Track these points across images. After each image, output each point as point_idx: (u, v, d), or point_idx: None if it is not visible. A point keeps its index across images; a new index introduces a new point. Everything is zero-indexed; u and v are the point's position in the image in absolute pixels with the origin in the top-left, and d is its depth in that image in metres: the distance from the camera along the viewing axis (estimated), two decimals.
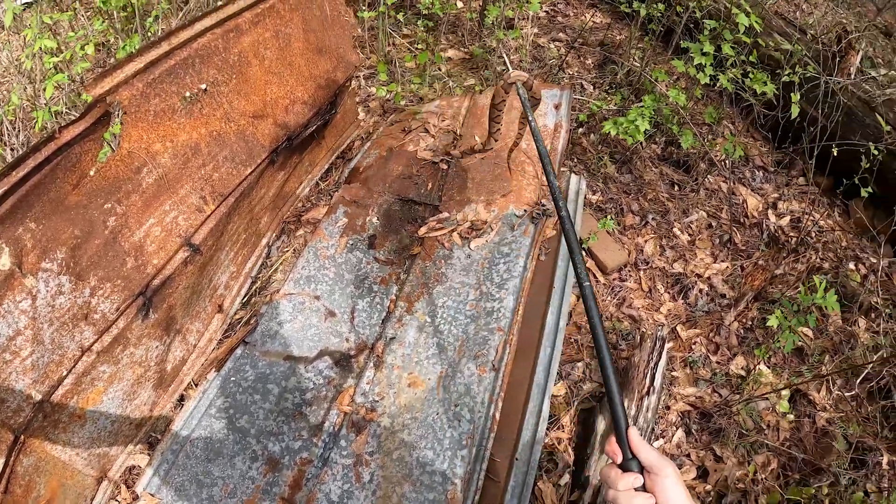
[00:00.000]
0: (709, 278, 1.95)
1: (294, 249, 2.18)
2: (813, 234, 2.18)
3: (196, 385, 1.66)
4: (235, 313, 1.81)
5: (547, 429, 1.62)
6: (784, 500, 1.69)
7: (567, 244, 0.85)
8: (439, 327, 1.73)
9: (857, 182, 2.01)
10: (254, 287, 1.88)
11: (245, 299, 1.85)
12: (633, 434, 0.67)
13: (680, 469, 1.69)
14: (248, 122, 1.73)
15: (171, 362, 1.59)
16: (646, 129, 1.82)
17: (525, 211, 1.91)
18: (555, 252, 1.84)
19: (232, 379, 1.63)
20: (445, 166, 2.12)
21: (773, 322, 1.78)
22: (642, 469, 0.66)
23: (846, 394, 1.86)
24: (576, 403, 1.67)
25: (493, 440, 1.56)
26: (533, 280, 1.80)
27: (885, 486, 1.76)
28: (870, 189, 2.10)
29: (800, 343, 1.96)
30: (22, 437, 1.19)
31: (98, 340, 1.26)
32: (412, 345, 1.70)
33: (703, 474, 1.70)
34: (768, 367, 1.87)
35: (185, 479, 1.48)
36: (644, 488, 0.65)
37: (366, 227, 2.08)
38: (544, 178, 1.94)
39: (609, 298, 1.84)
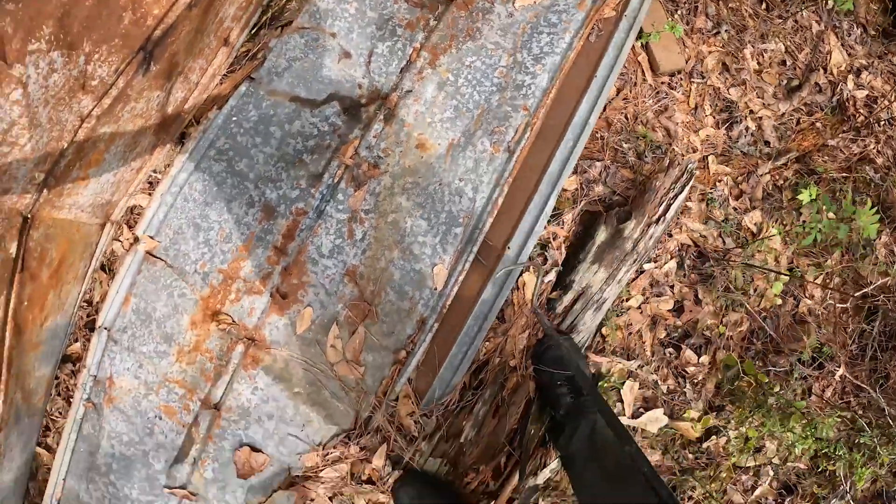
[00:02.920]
0: (760, 118, 1.71)
1: None
2: (881, 122, 1.91)
3: (198, 122, 1.49)
4: (242, 46, 1.52)
5: (547, 222, 1.47)
6: (738, 364, 1.69)
7: None
8: (461, 89, 1.49)
9: None
10: (264, 17, 1.53)
11: (253, 30, 1.53)
12: None
13: (659, 297, 1.61)
14: None
15: (172, 104, 1.40)
16: None
17: None
18: (608, 36, 1.53)
19: (233, 119, 1.47)
20: None
21: (804, 196, 1.61)
22: None
23: (838, 302, 1.77)
24: (582, 203, 1.50)
25: (491, 224, 1.43)
26: (575, 62, 1.51)
27: (829, 396, 1.77)
28: None
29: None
30: (30, 215, 1.19)
31: (97, 106, 1.15)
32: (429, 102, 1.48)
33: (678, 309, 1.65)
34: (779, 234, 1.74)
35: (183, 223, 1.46)
36: None
37: None
38: None
39: (650, 102, 1.59)
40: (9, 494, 1.53)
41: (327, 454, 1.41)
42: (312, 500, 1.40)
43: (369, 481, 1.40)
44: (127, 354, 1.47)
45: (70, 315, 1.54)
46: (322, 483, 1.39)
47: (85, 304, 1.55)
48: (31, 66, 0.95)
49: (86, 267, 1.51)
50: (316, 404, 1.41)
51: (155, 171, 1.52)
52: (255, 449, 1.43)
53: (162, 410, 1.46)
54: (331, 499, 1.40)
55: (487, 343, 1.45)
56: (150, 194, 1.52)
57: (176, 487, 1.45)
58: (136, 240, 1.48)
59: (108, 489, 1.50)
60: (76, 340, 1.56)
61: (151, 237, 1.47)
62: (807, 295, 1.78)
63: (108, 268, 1.54)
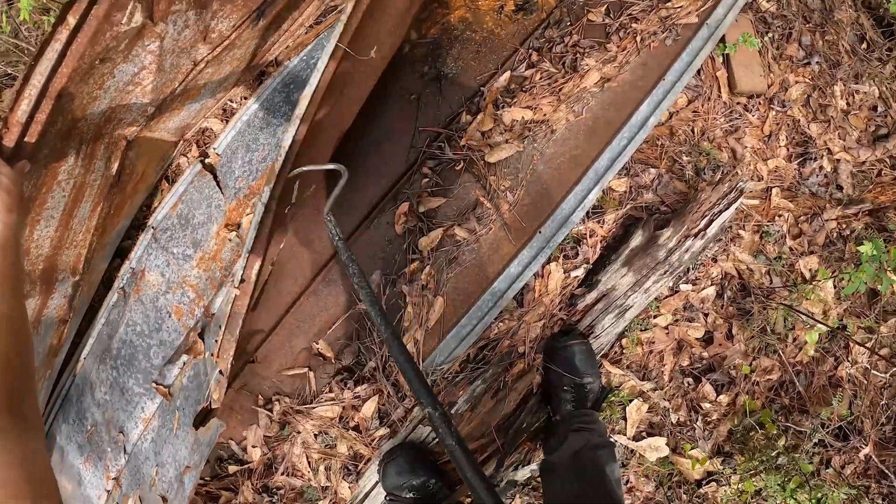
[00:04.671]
0: (837, 160, 1.61)
1: None
2: None
3: (278, 64, 1.60)
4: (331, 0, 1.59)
5: (587, 216, 1.44)
6: (757, 412, 1.58)
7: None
8: None
9: None
10: None
11: None
12: None
13: (690, 322, 1.54)
14: None
15: (262, 49, 1.54)
16: None
17: None
18: (685, 42, 1.49)
19: (304, 59, 1.57)
20: None
21: (865, 249, 1.49)
22: None
23: (881, 373, 1.62)
24: (628, 207, 1.46)
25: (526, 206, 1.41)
26: (646, 62, 1.48)
27: (847, 473, 1.61)
28: None
29: (875, 285, 1.67)
30: (132, 139, 1.35)
31: (210, 53, 1.28)
32: None
33: (707, 340, 1.56)
34: (834, 287, 1.62)
35: (240, 145, 1.57)
36: None
37: None
38: None
39: (721, 120, 1.53)
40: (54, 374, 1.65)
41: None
42: (299, 432, 1.42)
43: (356, 429, 1.41)
44: (161, 252, 1.56)
45: (132, 217, 1.67)
46: (311, 419, 1.41)
47: (145, 207, 1.67)
48: (171, 24, 1.07)
49: (157, 178, 1.64)
50: None
51: (230, 101, 1.62)
52: None
53: (173, 310, 1.53)
54: (316, 435, 1.42)
55: (500, 324, 1.43)
56: (222, 119, 1.62)
57: (162, 385, 1.51)
58: (205, 154, 1.58)
59: (112, 373, 1.58)
60: (128, 238, 1.67)
61: (218, 154, 1.57)
62: (849, 359, 1.65)
63: (171, 179, 1.65)
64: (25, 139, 0.98)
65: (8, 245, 0.83)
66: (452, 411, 1.39)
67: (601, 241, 1.46)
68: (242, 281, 1.04)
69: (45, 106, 0.97)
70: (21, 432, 0.67)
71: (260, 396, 1.45)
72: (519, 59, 1.50)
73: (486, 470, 1.38)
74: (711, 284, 1.54)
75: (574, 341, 1.41)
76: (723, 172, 1.50)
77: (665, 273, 1.44)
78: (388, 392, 1.39)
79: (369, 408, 1.41)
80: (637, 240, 1.44)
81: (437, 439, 1.40)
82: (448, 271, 1.40)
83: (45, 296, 1.43)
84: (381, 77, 1.53)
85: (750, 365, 1.57)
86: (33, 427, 0.70)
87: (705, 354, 1.56)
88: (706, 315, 1.55)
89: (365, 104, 1.51)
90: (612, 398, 1.52)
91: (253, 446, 1.46)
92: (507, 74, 1.49)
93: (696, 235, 1.43)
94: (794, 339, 1.59)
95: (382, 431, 1.41)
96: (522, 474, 1.46)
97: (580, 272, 1.44)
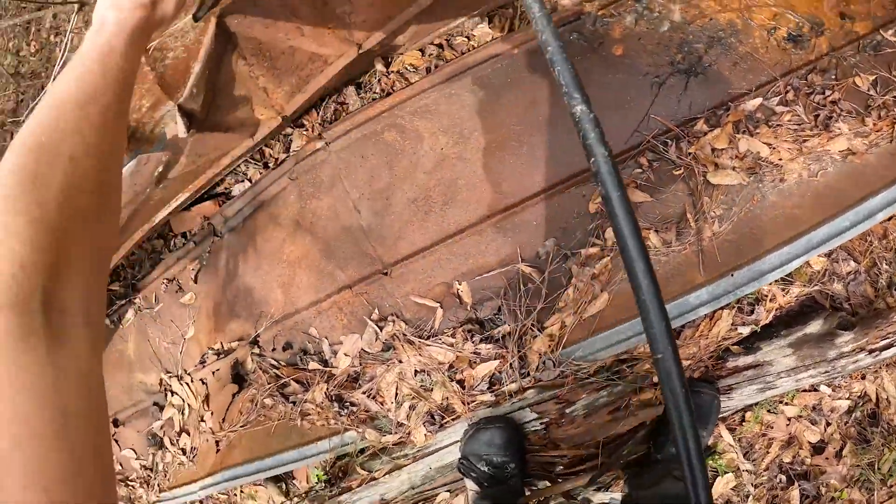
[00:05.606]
0: None
1: None
2: None
3: None
4: None
5: (776, 280, 1.34)
6: None
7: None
8: None
9: None
10: None
11: None
12: None
13: (812, 424, 1.46)
14: None
15: None
16: None
17: None
18: None
19: None
20: None
21: None
22: None
23: None
24: (815, 288, 1.37)
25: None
26: (895, 153, 1.38)
27: None
28: None
29: None
30: None
31: None
32: None
33: (818, 448, 1.49)
34: None
35: None
36: None
37: None
38: None
39: None
40: None
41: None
42: (401, 361, 1.30)
43: (461, 383, 1.30)
44: None
45: None
46: (420, 355, 1.29)
47: None
48: None
49: None
50: None
51: None
52: None
53: None
54: (416, 372, 1.31)
55: (649, 345, 1.32)
56: None
57: None
58: None
59: None
60: None
61: None
62: None
63: None
64: None
65: (135, 40, 0.60)
66: (567, 411, 1.29)
67: (777, 310, 1.36)
68: None
69: None
70: (56, 337, 0.43)
71: (377, 310, 1.33)
72: (774, 91, 1.39)
73: (578, 482, 1.28)
74: (848, 398, 1.46)
75: (708, 391, 1.33)
76: None
77: (825, 372, 1.35)
78: (512, 364, 1.28)
79: (484, 369, 1.30)
80: (815, 328, 1.34)
81: (535, 431, 1.31)
82: (625, 272, 1.29)
83: None
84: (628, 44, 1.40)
85: (842, 491, 1.50)
86: (82, 330, 0.45)
87: (808, 460, 1.49)
88: (828, 424, 1.47)
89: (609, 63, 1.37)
90: (710, 461, 1.44)
91: (346, 354, 1.34)
92: (758, 101, 1.37)
93: (870, 352, 1.35)
94: (892, 487, 1.53)
95: (487, 397, 1.30)
96: (600, 498, 1.37)
97: (746, 331, 1.35)
